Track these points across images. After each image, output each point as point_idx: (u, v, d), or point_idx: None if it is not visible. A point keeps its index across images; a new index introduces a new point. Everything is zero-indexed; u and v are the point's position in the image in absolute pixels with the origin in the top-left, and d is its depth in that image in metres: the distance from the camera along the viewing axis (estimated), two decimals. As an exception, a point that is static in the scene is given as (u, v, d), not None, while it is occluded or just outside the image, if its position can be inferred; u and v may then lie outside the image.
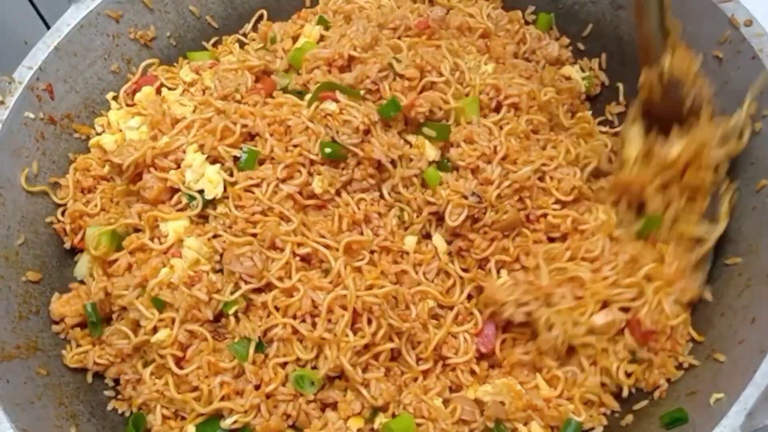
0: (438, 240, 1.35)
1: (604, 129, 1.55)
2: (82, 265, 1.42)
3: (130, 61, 1.58)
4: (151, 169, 1.34)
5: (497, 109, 1.40)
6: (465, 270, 1.34)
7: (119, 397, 1.33)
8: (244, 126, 1.33)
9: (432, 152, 1.35)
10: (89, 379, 1.32)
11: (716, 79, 1.35)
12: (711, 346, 1.19)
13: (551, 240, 1.36)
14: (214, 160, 1.32)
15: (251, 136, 1.35)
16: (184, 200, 1.32)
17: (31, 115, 1.41)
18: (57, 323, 1.35)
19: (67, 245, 1.43)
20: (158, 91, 1.56)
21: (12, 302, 1.30)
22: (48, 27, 1.48)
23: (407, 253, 1.32)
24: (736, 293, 1.22)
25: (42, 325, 1.33)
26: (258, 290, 1.25)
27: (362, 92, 1.34)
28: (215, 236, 1.28)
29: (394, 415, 1.23)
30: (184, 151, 1.34)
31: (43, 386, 1.24)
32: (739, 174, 1.31)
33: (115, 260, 1.33)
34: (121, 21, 1.55)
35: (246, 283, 1.24)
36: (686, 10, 1.37)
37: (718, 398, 1.10)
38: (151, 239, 1.31)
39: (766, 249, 1.21)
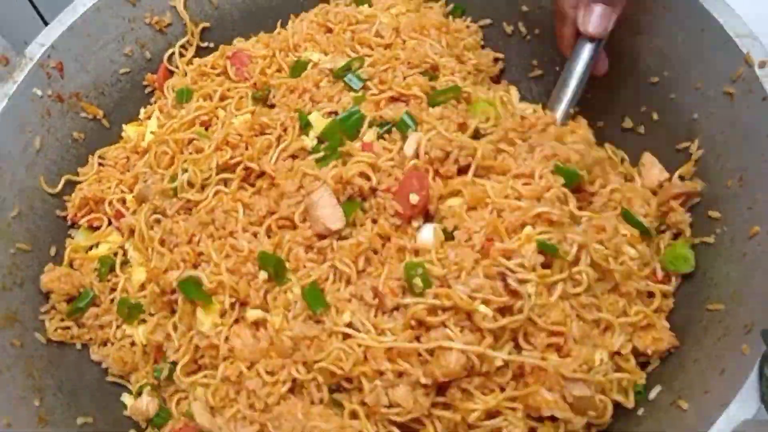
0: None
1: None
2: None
3: (144, 45, 1.60)
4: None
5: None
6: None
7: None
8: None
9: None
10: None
11: (725, 117, 1.30)
12: (678, 392, 1.16)
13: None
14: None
15: None
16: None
17: (39, 92, 1.44)
18: (46, 295, 1.38)
19: (69, 217, 1.47)
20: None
21: (-3, 272, 1.33)
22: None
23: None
24: (713, 341, 1.18)
25: (24, 297, 1.35)
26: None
27: None
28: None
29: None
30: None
31: (15, 357, 1.27)
32: (735, 217, 1.27)
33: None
34: (138, 5, 1.56)
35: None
36: (704, 40, 1.33)
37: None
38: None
39: (749, 299, 1.16)
